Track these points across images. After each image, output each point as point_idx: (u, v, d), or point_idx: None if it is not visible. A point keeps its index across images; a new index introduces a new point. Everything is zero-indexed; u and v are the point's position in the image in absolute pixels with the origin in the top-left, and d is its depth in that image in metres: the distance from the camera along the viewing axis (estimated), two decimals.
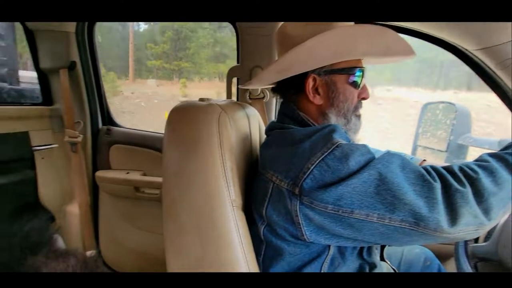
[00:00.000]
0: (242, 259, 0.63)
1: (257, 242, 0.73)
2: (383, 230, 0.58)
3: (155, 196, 1.63)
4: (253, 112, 1.04)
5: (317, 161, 0.60)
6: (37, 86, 1.70)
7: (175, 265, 0.69)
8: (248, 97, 1.31)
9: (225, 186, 0.66)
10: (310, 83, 0.75)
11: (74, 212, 1.74)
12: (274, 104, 1.38)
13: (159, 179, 1.62)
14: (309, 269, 0.69)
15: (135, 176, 1.69)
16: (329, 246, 0.69)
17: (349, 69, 0.76)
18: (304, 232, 0.64)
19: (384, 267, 0.89)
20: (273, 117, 1.36)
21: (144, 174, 1.72)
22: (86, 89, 1.72)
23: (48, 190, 1.68)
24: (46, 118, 1.69)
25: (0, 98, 1.66)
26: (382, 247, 0.94)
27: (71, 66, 1.61)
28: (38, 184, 1.64)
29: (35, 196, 1.64)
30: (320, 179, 0.60)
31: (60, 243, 0.88)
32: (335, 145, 0.61)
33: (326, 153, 0.61)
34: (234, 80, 1.39)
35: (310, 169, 0.61)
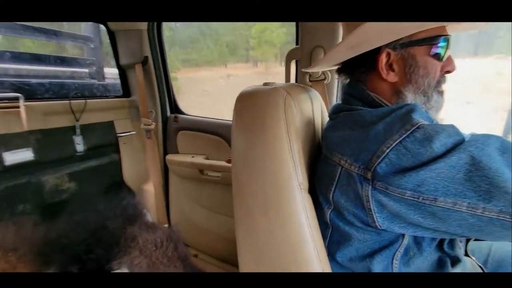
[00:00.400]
0: (310, 241, 0.64)
1: (323, 226, 0.73)
2: (473, 222, 0.52)
3: (217, 179, 1.75)
4: (315, 94, 1.01)
5: (394, 144, 0.56)
6: (118, 81, 1.95)
7: (244, 245, 0.74)
8: (308, 80, 1.27)
9: (292, 168, 0.67)
10: (383, 59, 0.69)
11: (150, 190, 1.99)
12: (336, 86, 1.31)
13: (221, 163, 1.73)
14: (379, 257, 0.66)
15: (199, 159, 1.84)
16: (403, 234, 0.65)
17: (431, 39, 0.67)
18: (375, 219, 0.61)
19: (468, 263, 0.79)
20: (334, 100, 1.30)
21: (207, 158, 1.86)
22: (156, 81, 1.91)
23: (129, 171, 1.95)
24: (126, 109, 1.94)
25: (91, 93, 1.95)
26: (467, 241, 0.84)
27: (144, 61, 1.80)
28: (122, 166, 1.91)
29: (120, 176, 1.92)
30: (396, 164, 0.55)
31: (149, 217, 1.02)
32: (416, 126, 0.56)
33: (405, 135, 0.56)
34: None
35: (385, 153, 0.57)
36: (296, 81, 1.38)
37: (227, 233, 1.75)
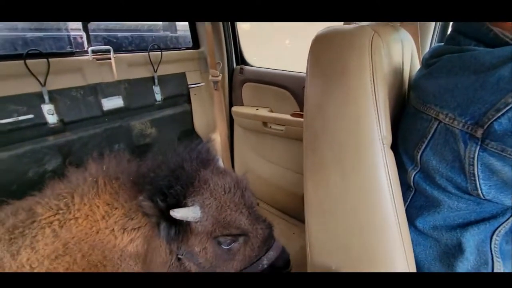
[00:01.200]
0: (390, 201, 0.58)
1: (403, 188, 0.65)
2: None
3: (280, 132, 1.75)
4: (406, 36, 0.84)
5: None
6: (188, 33, 2.00)
7: (313, 197, 0.72)
8: None
9: (375, 120, 0.59)
10: None
11: (216, 140, 2.13)
12: (432, 28, 1.07)
13: (285, 116, 1.70)
14: (474, 230, 0.57)
15: (263, 112, 1.84)
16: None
17: None
18: (478, 186, 0.51)
19: None
20: (427, 44, 1.08)
21: (271, 111, 1.84)
22: (224, 33, 1.88)
23: (199, 121, 2.10)
24: (195, 60, 2.01)
25: (165, 45, 2.06)
26: None
27: None
28: (193, 116, 2.06)
29: (192, 125, 2.09)
30: None
31: (220, 162, 1.08)
32: None
33: None
34: None
35: (510, 106, 0.44)
36: None
37: (288, 186, 1.80)
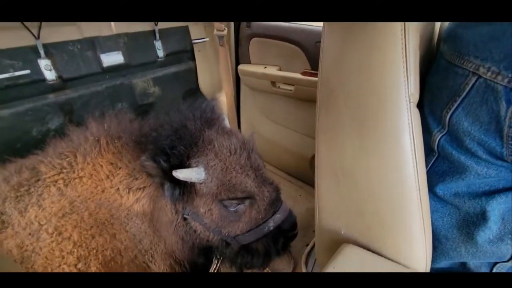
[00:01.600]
0: (411, 166, 0.53)
1: (425, 151, 0.60)
2: None
3: (289, 92, 1.65)
4: None
5: None
6: None
7: (325, 159, 0.67)
8: None
9: (403, 74, 0.51)
10: None
11: (222, 100, 2.05)
12: None
13: (295, 75, 1.59)
14: (502, 198, 0.52)
15: (272, 70, 1.72)
16: None
17: None
18: None
19: None
20: None
21: (280, 69, 1.73)
22: None
23: (203, 79, 1.99)
24: None
25: None
26: None
27: None
28: (198, 74, 1.95)
29: (196, 83, 1.99)
30: None
31: (226, 122, 1.03)
32: None
33: None
34: None
35: None
36: None
37: (296, 148, 1.76)
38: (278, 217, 0.90)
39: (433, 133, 0.58)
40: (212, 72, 2.02)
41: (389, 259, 0.56)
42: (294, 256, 1.30)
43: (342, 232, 0.64)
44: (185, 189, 0.85)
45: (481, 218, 0.54)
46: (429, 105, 0.60)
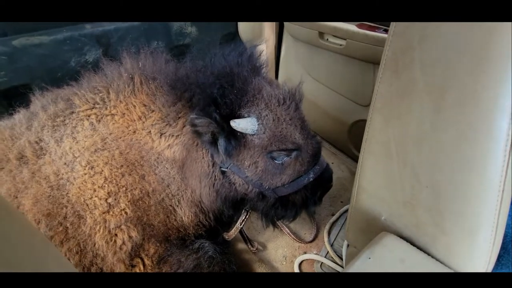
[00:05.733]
0: (501, 159, 0.41)
1: None
2: None
3: (339, 47, 1.44)
4: None
5: None
6: None
7: (378, 133, 0.56)
8: None
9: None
10: None
11: (258, 44, 1.87)
12: None
13: (349, 27, 1.36)
14: None
15: None
16: None
17: None
18: None
19: None
20: None
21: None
22: None
23: (244, 23, 1.82)
24: None
25: None
26: None
27: None
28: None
29: (236, 27, 1.83)
30: None
31: (271, 74, 0.93)
32: None
33: None
34: None
35: None
36: None
37: (337, 112, 1.61)
38: (318, 168, 0.88)
39: None
40: None
41: (437, 259, 0.48)
42: (317, 223, 1.28)
43: (382, 218, 0.57)
44: (235, 141, 0.80)
45: None
46: None
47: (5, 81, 1.13)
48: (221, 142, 0.78)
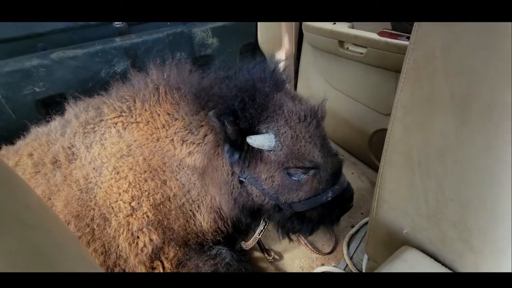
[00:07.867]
0: None
1: None
2: None
3: (359, 56, 1.43)
4: None
5: None
6: None
7: (400, 143, 0.55)
8: None
9: None
10: None
11: (281, 59, 1.90)
12: None
13: (369, 35, 1.35)
14: None
15: (342, 28, 1.49)
16: None
17: None
18: None
19: None
20: None
21: (352, 27, 1.49)
22: None
23: (263, 34, 1.85)
24: None
25: None
26: None
27: None
28: (258, 28, 1.81)
29: (255, 38, 1.86)
30: None
31: (291, 86, 0.94)
32: None
33: None
34: None
35: None
36: None
37: (357, 121, 1.58)
38: (338, 188, 0.86)
39: None
40: (274, 28, 1.85)
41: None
42: (336, 235, 1.25)
43: (404, 232, 0.55)
44: (251, 154, 0.82)
45: None
46: None
47: (43, 91, 1.22)
48: (226, 150, 0.80)
